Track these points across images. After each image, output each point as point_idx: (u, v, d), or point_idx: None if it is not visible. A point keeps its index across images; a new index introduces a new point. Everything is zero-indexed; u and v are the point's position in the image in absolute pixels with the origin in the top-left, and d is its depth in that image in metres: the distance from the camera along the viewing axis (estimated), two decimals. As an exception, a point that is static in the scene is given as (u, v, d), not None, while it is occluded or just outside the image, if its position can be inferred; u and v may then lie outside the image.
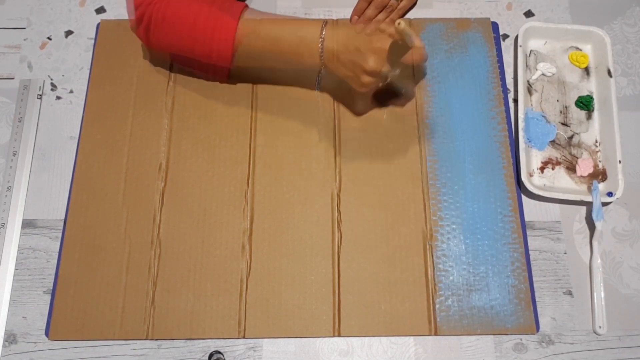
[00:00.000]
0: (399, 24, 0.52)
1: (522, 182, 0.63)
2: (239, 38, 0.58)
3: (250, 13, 0.60)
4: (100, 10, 0.75)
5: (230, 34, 0.58)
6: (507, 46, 0.73)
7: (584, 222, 0.64)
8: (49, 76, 0.71)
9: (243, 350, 0.58)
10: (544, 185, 0.65)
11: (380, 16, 0.71)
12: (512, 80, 0.71)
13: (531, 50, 0.72)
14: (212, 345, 0.59)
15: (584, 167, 0.65)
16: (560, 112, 0.69)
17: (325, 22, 0.58)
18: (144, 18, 0.59)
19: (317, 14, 0.74)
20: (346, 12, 0.72)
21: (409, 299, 0.60)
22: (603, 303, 0.60)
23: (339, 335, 0.59)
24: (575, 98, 0.69)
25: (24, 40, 0.73)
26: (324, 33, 0.57)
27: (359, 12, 0.72)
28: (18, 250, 0.62)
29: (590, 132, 0.68)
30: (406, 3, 0.71)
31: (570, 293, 0.61)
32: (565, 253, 0.63)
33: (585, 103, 0.69)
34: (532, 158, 0.66)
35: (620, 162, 0.64)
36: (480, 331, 0.59)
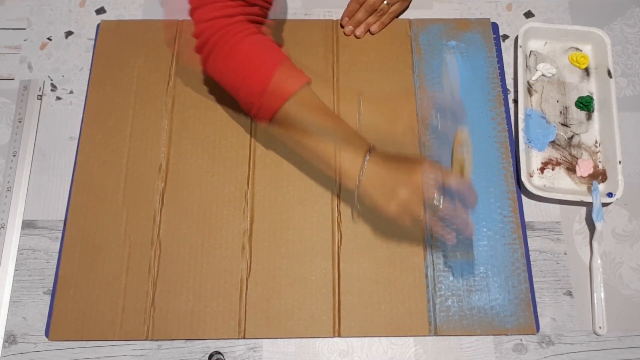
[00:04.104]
0: (462, 131, 0.51)
1: (522, 183, 0.63)
2: (283, 114, 0.55)
3: (306, 92, 0.56)
4: (101, 10, 0.75)
5: (275, 105, 0.55)
6: (507, 47, 0.73)
7: (584, 222, 0.64)
8: (49, 77, 0.71)
9: (243, 351, 0.58)
10: (544, 185, 0.65)
11: (371, 19, 0.72)
12: (512, 81, 0.71)
13: (531, 51, 0.72)
14: (212, 345, 0.58)
15: (584, 167, 0.65)
16: (560, 112, 0.69)
17: (369, 149, 0.54)
18: (207, 45, 0.56)
19: (317, 14, 0.74)
20: (346, 13, 0.72)
21: (409, 299, 0.60)
22: (603, 304, 0.60)
23: (339, 336, 0.59)
24: (575, 99, 0.69)
25: (24, 40, 0.73)
26: (368, 157, 0.54)
27: (349, 14, 0.72)
28: (18, 250, 0.62)
29: (590, 133, 0.68)
30: (397, 7, 0.72)
31: (570, 294, 0.61)
32: (565, 254, 0.63)
33: (585, 103, 0.69)
34: (532, 158, 0.66)
35: (620, 162, 0.64)
36: (480, 332, 0.59)
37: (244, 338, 0.58)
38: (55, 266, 0.61)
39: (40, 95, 0.70)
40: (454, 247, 0.61)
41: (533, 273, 0.61)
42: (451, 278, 0.60)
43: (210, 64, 0.58)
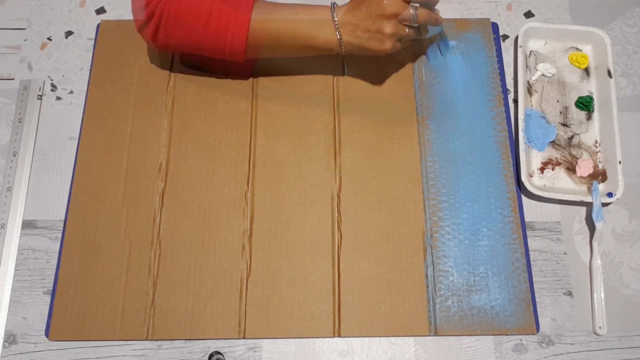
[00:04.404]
0: None
1: (522, 183, 0.63)
2: (253, 30, 0.58)
3: (261, 4, 0.60)
4: (101, 10, 0.75)
5: (244, 27, 0.58)
6: (507, 47, 0.73)
7: (584, 222, 0.64)
8: (49, 77, 0.71)
9: (243, 351, 0.58)
10: (544, 185, 0.65)
11: None
12: (512, 81, 0.71)
13: (531, 51, 0.72)
14: (212, 345, 0.59)
15: (584, 167, 0.65)
16: (560, 112, 0.69)
17: (334, 3, 0.59)
18: (155, 15, 0.58)
19: (317, 14, 0.74)
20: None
21: (409, 299, 0.60)
22: (603, 304, 0.60)
23: (339, 336, 0.59)
24: (575, 98, 0.69)
25: (24, 40, 0.73)
26: (335, 12, 0.58)
27: None
28: (18, 250, 0.62)
29: (590, 133, 0.68)
30: None
31: (570, 294, 0.61)
32: (565, 254, 0.63)
33: (585, 103, 0.69)
34: (532, 158, 0.66)
35: (620, 162, 0.64)
36: (480, 332, 0.59)
37: (244, 338, 0.58)
38: (55, 266, 0.61)
39: (40, 95, 0.70)
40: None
41: (533, 273, 0.61)
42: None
43: (162, 33, 0.59)
